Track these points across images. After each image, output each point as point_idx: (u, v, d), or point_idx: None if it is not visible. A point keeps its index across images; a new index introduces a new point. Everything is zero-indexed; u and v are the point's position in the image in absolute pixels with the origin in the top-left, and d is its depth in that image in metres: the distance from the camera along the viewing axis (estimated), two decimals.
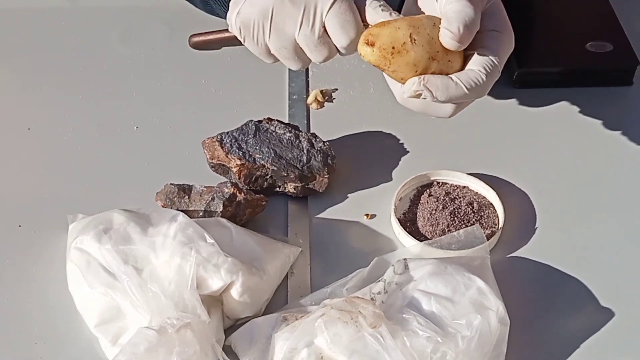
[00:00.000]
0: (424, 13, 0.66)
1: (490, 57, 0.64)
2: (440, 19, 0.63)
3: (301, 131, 0.79)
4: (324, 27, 0.65)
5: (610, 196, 0.78)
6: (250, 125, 0.78)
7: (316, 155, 0.77)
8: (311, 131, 0.83)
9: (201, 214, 0.71)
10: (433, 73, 0.63)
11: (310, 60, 0.67)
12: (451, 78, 0.63)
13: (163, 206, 0.72)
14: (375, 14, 0.65)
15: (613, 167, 0.81)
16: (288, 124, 0.79)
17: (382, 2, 0.65)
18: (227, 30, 0.69)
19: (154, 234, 0.66)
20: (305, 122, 0.84)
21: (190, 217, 0.68)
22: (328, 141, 0.79)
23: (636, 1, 0.99)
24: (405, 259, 0.67)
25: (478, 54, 0.64)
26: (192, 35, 0.74)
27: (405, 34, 0.62)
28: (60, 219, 0.72)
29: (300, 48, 0.66)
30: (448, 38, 0.62)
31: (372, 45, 0.62)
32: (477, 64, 0.64)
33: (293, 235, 0.74)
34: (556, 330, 0.68)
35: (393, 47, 0.62)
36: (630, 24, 0.92)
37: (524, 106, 0.87)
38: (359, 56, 0.64)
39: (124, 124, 0.84)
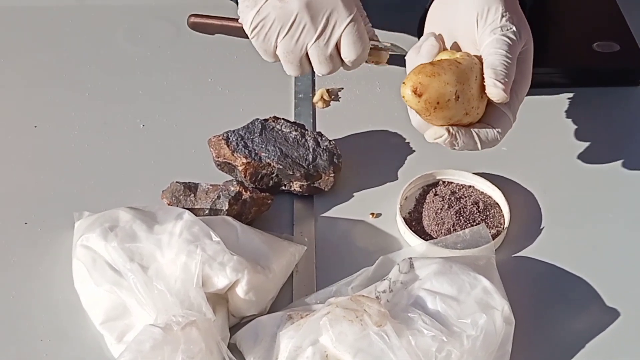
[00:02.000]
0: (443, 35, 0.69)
1: (509, 114, 0.68)
2: (481, 70, 0.66)
3: (307, 130, 0.79)
4: (337, 44, 0.70)
5: (616, 196, 0.78)
6: (256, 123, 0.78)
7: (322, 154, 0.77)
8: (317, 130, 0.83)
9: (207, 212, 0.71)
10: (460, 124, 0.66)
11: (308, 71, 0.72)
12: (473, 136, 0.67)
13: (169, 204, 0.72)
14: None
15: (619, 166, 0.81)
16: (294, 123, 0.79)
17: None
18: (231, 19, 0.73)
19: (159, 231, 0.66)
20: (311, 120, 0.84)
21: (196, 215, 0.68)
22: (334, 140, 0.79)
23: None
24: (410, 258, 0.67)
25: (497, 110, 0.68)
26: (191, 15, 0.76)
27: (452, 90, 0.64)
28: (66, 217, 0.73)
29: (307, 58, 0.71)
30: (498, 90, 0.65)
31: (420, 95, 0.64)
32: (497, 123, 0.68)
33: (298, 233, 0.74)
34: (561, 330, 0.68)
35: (438, 103, 0.64)
36: (637, 24, 0.92)
37: (531, 106, 0.86)
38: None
39: (130, 122, 0.84)
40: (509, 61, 0.66)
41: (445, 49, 0.69)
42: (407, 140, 0.82)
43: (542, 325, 0.68)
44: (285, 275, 0.70)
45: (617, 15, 0.92)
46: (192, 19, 0.76)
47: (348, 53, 0.70)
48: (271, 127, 0.78)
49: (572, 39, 0.90)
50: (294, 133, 0.78)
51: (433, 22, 0.71)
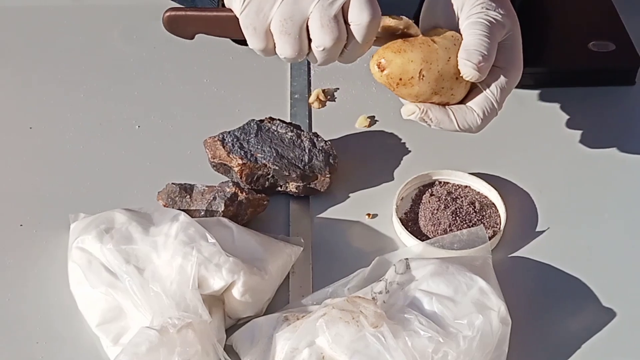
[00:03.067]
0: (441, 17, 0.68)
1: (491, 99, 0.67)
2: (457, 51, 0.65)
3: (303, 130, 0.79)
4: (343, 9, 0.62)
5: (612, 196, 0.78)
6: (252, 124, 0.78)
7: (318, 155, 0.77)
8: (313, 130, 0.83)
9: (203, 213, 0.71)
10: (431, 101, 0.66)
11: (306, 50, 0.64)
12: (447, 114, 0.66)
13: (165, 206, 0.72)
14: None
15: (615, 166, 0.81)
16: (290, 124, 0.79)
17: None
18: (209, 8, 0.65)
19: (155, 233, 0.66)
20: (307, 121, 0.84)
21: (192, 217, 0.68)
22: (330, 140, 0.79)
23: (639, 0, 0.98)
24: (406, 259, 0.67)
25: (480, 94, 0.67)
26: (167, 10, 0.65)
27: (416, 68, 0.65)
28: (62, 219, 0.72)
29: (307, 29, 0.63)
30: (469, 68, 0.64)
31: (382, 70, 0.65)
32: (477, 106, 0.67)
33: (294, 234, 0.74)
34: (558, 330, 0.68)
35: (400, 79, 0.65)
36: (633, 24, 0.92)
37: (526, 106, 0.87)
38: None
39: (125, 123, 0.84)
40: (485, 40, 0.65)
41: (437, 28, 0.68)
42: (403, 141, 0.82)
43: (539, 325, 0.68)
44: (281, 276, 0.69)
45: (613, 14, 0.92)
46: (169, 14, 0.65)
47: (359, 15, 0.62)
48: (267, 127, 0.78)
49: (568, 39, 0.90)
50: (289, 134, 0.78)
51: (423, 15, 0.71)
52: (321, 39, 0.63)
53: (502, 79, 0.67)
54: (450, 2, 0.68)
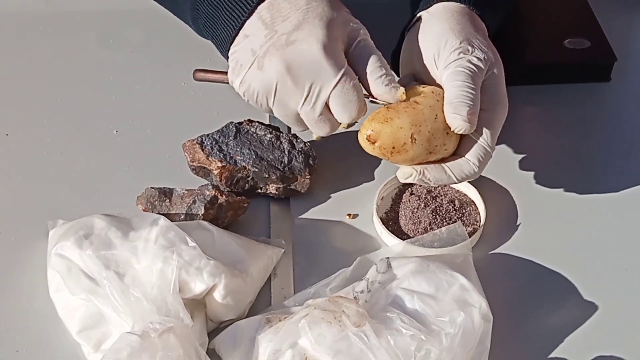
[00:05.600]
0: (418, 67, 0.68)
1: (484, 145, 0.66)
2: (442, 107, 0.65)
3: (282, 132, 0.79)
4: (327, 105, 0.65)
5: (590, 191, 0.79)
6: (230, 127, 0.78)
7: (297, 156, 0.77)
8: (292, 132, 0.82)
9: (183, 217, 0.71)
10: (427, 162, 0.66)
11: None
12: (444, 171, 0.66)
13: (144, 210, 0.71)
14: (377, 87, 0.65)
15: (592, 162, 0.82)
16: (269, 125, 0.79)
17: (384, 72, 0.65)
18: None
19: (135, 238, 0.66)
20: None
21: (172, 221, 0.68)
22: (309, 142, 0.79)
23: None
24: (388, 258, 0.67)
25: (472, 142, 0.66)
26: (197, 71, 0.73)
27: (407, 134, 0.64)
28: (40, 225, 0.72)
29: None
30: (459, 122, 0.64)
31: (373, 143, 0.64)
32: (472, 155, 0.66)
33: (275, 236, 0.73)
34: (540, 325, 0.68)
35: (393, 147, 0.64)
36: (607, 21, 0.92)
37: None
38: None
39: (103, 128, 0.83)
40: (469, 90, 0.64)
41: (415, 86, 0.68)
42: None
43: (521, 320, 0.68)
44: (263, 278, 0.69)
45: (587, 11, 0.93)
46: (198, 75, 0.73)
47: (340, 116, 0.65)
48: (246, 130, 0.78)
49: (543, 36, 0.91)
50: (268, 136, 0.78)
51: (402, 65, 0.71)
52: (316, 132, 0.67)
53: (490, 121, 0.66)
54: (428, 47, 0.67)
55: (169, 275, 0.63)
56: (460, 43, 0.66)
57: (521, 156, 0.82)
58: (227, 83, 0.70)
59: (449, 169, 0.66)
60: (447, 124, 0.65)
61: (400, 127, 0.64)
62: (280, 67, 0.64)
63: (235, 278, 0.65)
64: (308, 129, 0.68)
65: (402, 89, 0.65)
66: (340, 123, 0.66)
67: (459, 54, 0.66)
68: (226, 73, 0.69)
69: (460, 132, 0.65)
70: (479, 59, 0.66)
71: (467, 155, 0.66)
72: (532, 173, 0.80)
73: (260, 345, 0.62)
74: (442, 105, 0.65)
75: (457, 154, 0.67)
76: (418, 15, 0.70)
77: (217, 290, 0.64)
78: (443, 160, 0.67)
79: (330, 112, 0.66)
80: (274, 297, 0.69)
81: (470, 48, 0.66)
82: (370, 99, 0.67)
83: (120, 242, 0.65)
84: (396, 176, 0.76)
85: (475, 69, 0.65)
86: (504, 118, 0.68)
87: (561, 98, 0.87)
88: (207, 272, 0.64)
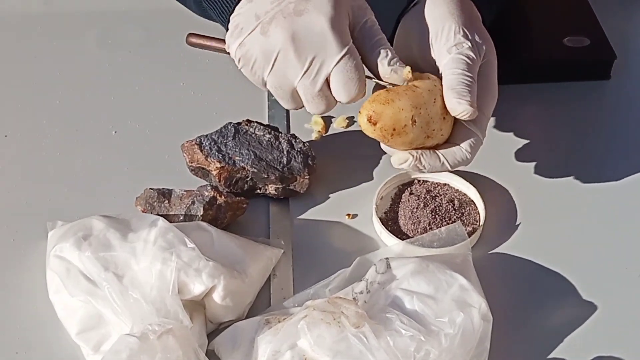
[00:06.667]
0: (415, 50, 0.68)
1: (475, 131, 0.67)
2: (441, 91, 0.65)
3: (281, 132, 0.78)
4: (327, 81, 0.64)
5: (590, 190, 0.79)
6: (229, 127, 0.78)
7: (296, 156, 0.76)
8: (291, 132, 0.82)
9: (181, 218, 0.71)
10: (424, 147, 0.66)
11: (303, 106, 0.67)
12: (438, 158, 0.66)
13: (143, 211, 0.71)
14: (384, 67, 0.65)
15: (592, 161, 0.81)
16: (267, 126, 0.79)
17: (392, 54, 0.65)
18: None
19: (134, 239, 0.66)
20: (285, 123, 0.84)
21: (171, 222, 0.68)
22: (308, 142, 0.78)
23: None
24: (387, 258, 0.67)
25: (464, 129, 0.67)
26: (190, 35, 0.72)
27: (408, 116, 0.64)
28: (39, 227, 0.72)
29: (298, 94, 0.66)
30: (465, 106, 0.64)
31: (374, 124, 0.64)
32: (464, 142, 0.67)
33: (275, 237, 0.73)
34: (539, 325, 0.68)
35: (394, 129, 0.64)
36: (607, 19, 0.92)
37: (502, 102, 0.86)
38: None
39: (102, 128, 0.83)
40: (468, 79, 0.65)
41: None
42: None
43: (520, 320, 0.68)
44: (262, 279, 0.69)
45: (587, 10, 0.93)
46: (191, 39, 0.71)
47: (339, 94, 0.64)
48: (244, 130, 0.78)
49: (543, 35, 0.91)
50: (267, 136, 0.77)
51: (396, 51, 0.70)
52: (310, 109, 0.66)
53: (481, 108, 0.67)
54: (426, 30, 0.67)
55: (168, 276, 0.63)
56: (459, 27, 0.67)
57: (520, 155, 0.81)
58: (221, 52, 0.69)
59: (443, 156, 0.67)
60: (444, 109, 0.66)
61: (401, 108, 0.64)
62: (286, 36, 0.63)
63: (234, 279, 0.65)
64: (300, 106, 0.67)
65: (408, 68, 0.65)
66: (337, 102, 0.66)
67: (459, 38, 0.66)
68: (222, 41, 0.68)
69: (464, 118, 0.65)
70: (476, 45, 0.67)
71: (459, 143, 0.67)
72: (531, 172, 0.80)
73: (260, 347, 0.62)
74: (440, 90, 0.66)
75: (449, 141, 0.68)
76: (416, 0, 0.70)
77: (216, 292, 0.64)
78: (437, 147, 0.67)
79: (329, 90, 0.65)
80: (273, 298, 0.69)
81: (469, 33, 0.67)
82: (374, 80, 0.66)
83: (119, 244, 0.65)
84: (395, 176, 0.77)
85: (473, 56, 0.66)
86: (493, 105, 0.69)
87: (561, 96, 0.87)
88: (206, 273, 0.64)
